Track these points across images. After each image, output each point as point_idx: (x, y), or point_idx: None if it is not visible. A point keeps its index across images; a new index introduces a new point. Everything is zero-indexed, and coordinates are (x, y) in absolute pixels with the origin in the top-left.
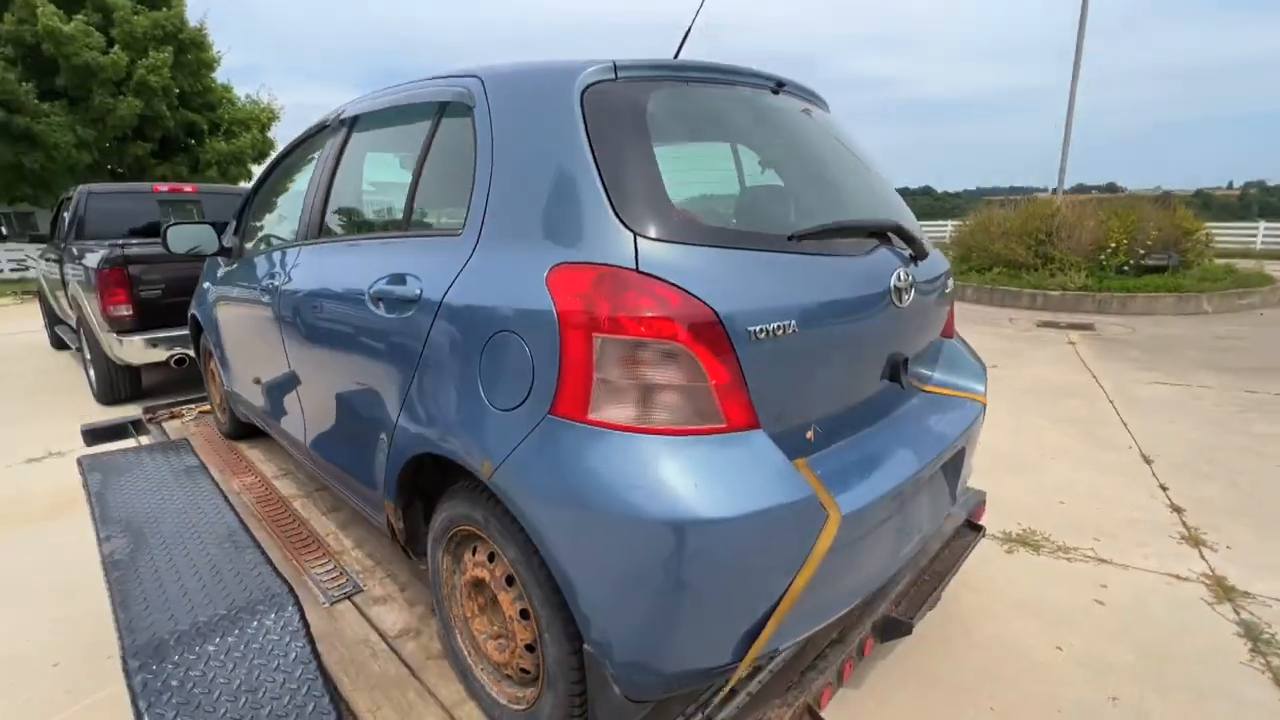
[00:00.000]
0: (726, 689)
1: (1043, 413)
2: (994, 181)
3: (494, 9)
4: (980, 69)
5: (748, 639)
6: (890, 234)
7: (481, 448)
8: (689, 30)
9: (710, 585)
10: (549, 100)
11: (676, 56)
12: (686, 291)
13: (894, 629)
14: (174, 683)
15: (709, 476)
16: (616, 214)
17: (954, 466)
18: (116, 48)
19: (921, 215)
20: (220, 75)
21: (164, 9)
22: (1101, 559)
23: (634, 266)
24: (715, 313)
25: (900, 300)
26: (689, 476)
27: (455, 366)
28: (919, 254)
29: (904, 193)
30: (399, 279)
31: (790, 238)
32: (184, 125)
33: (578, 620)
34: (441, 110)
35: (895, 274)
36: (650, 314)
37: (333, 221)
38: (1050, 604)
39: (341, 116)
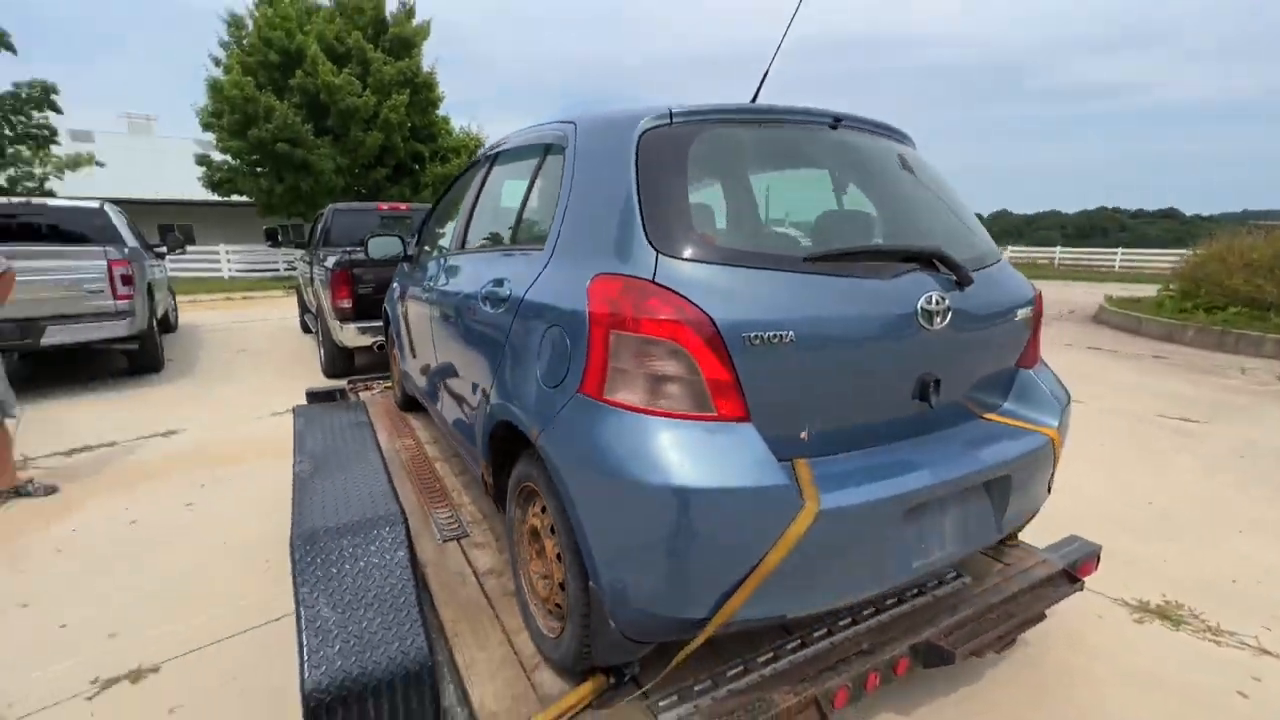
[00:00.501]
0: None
1: (1247, 479)
2: (1268, 203)
3: (700, 37)
4: (1247, 68)
5: (721, 598)
6: (934, 259)
7: (533, 417)
8: (766, 73)
9: (684, 543)
10: (615, 142)
11: (755, 98)
12: (688, 300)
13: (936, 656)
14: (319, 560)
15: (693, 454)
16: (647, 236)
17: (999, 496)
18: (368, 92)
19: (1157, 243)
20: (442, 109)
21: (406, 59)
22: (1265, 650)
23: (651, 279)
24: (711, 319)
25: (931, 323)
26: (675, 452)
27: (525, 352)
28: (964, 280)
29: (1140, 216)
30: (499, 283)
31: (806, 259)
32: (411, 153)
33: (586, 562)
34: (547, 149)
35: (925, 298)
36: (656, 317)
37: (472, 236)
38: (1176, 685)
39: (488, 153)
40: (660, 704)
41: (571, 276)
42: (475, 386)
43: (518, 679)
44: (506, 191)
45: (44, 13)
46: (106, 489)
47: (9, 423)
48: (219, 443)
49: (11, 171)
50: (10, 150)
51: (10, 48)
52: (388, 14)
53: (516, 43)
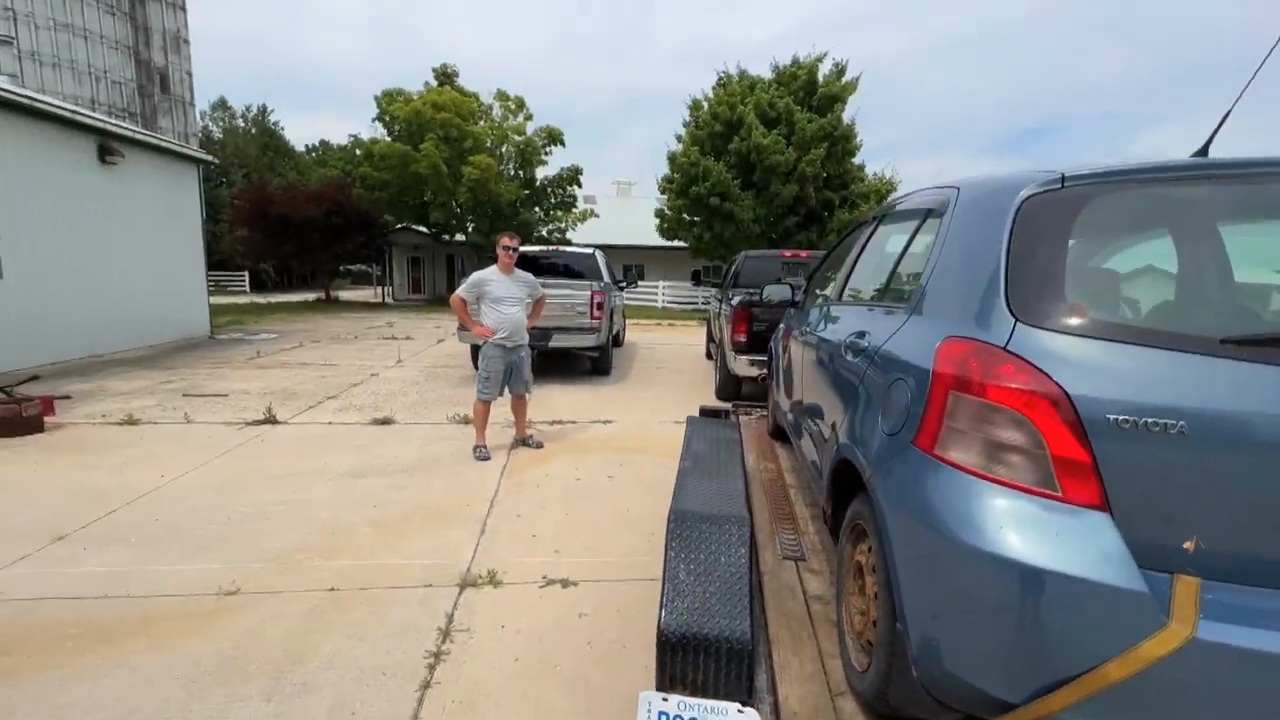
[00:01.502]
0: None
1: None
2: None
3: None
4: None
5: (1039, 690)
6: None
7: (869, 459)
8: (1224, 119)
9: (999, 618)
10: (992, 209)
11: (1205, 149)
12: (1040, 370)
13: None
14: (685, 534)
15: (1023, 529)
16: (1008, 304)
17: None
18: (790, 149)
19: None
20: (859, 157)
21: (828, 115)
22: None
23: (1003, 346)
24: (1066, 393)
25: None
26: (1004, 522)
27: (872, 400)
28: None
29: None
30: (861, 334)
31: (1225, 341)
32: (822, 201)
33: (896, 604)
34: (928, 213)
35: None
36: (1001, 384)
37: (849, 290)
38: None
39: (877, 214)
40: None
41: (926, 334)
42: (828, 424)
43: (821, 695)
44: (885, 251)
45: (576, 114)
46: (566, 451)
47: (528, 396)
48: (635, 435)
49: (551, 226)
50: (553, 213)
51: (562, 143)
52: (820, 76)
53: (950, 80)
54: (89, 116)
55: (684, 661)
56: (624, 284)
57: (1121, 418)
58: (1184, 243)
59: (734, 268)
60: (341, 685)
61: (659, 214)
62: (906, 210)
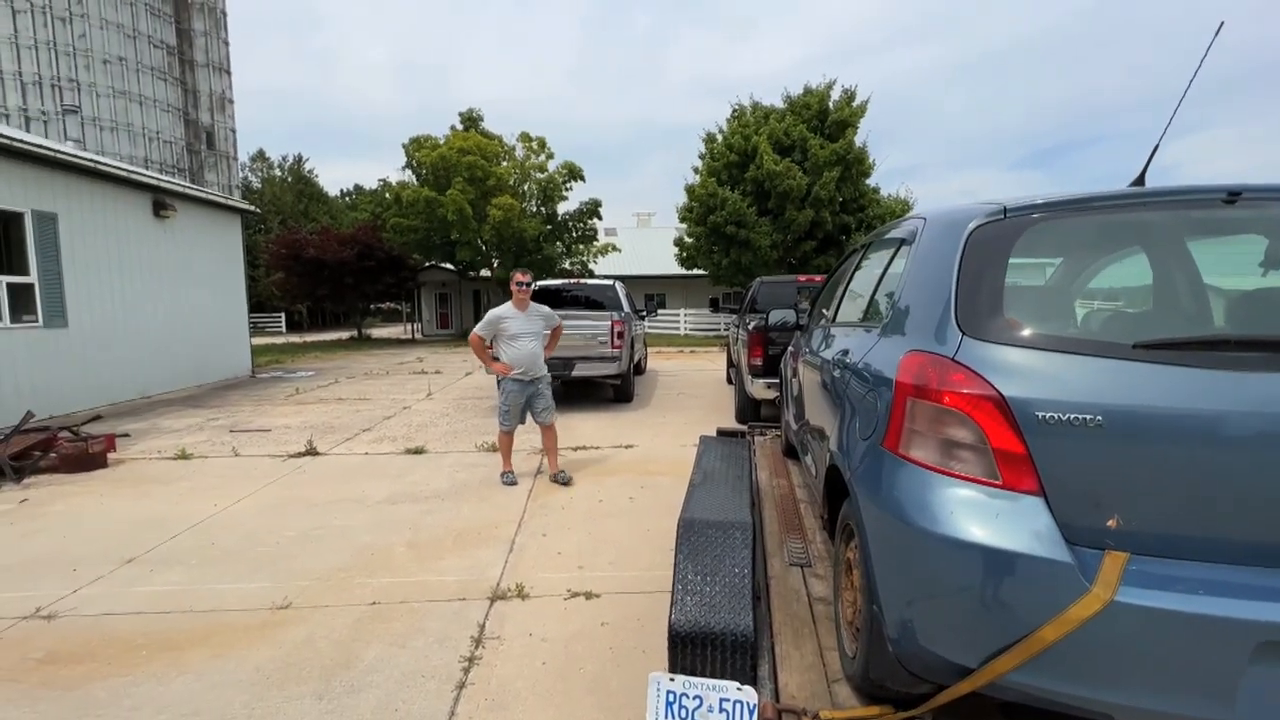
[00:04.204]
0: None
1: None
2: None
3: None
4: None
5: (989, 655)
6: None
7: (850, 461)
8: (1155, 149)
9: (950, 591)
10: (946, 238)
11: (1146, 168)
12: (981, 376)
13: None
14: (691, 538)
15: (968, 513)
16: (956, 320)
17: None
18: (802, 174)
19: None
20: (879, 179)
21: (840, 141)
22: None
23: (952, 357)
24: (1001, 395)
25: None
26: (953, 508)
27: (853, 410)
28: None
29: None
30: (845, 352)
31: (1136, 345)
32: (839, 225)
33: (871, 587)
34: (902, 242)
35: None
36: (950, 389)
37: (840, 313)
38: None
39: (864, 242)
40: None
41: (893, 350)
42: (822, 435)
43: (819, 682)
44: (868, 276)
45: (596, 147)
46: (590, 477)
47: (554, 424)
48: (655, 459)
49: (573, 259)
50: (575, 246)
51: (582, 178)
52: (831, 103)
53: (967, 96)
54: (144, 175)
55: (693, 654)
56: (644, 313)
57: (1049, 414)
58: (1107, 261)
59: (750, 293)
60: (386, 686)
61: (678, 243)
62: (887, 239)
